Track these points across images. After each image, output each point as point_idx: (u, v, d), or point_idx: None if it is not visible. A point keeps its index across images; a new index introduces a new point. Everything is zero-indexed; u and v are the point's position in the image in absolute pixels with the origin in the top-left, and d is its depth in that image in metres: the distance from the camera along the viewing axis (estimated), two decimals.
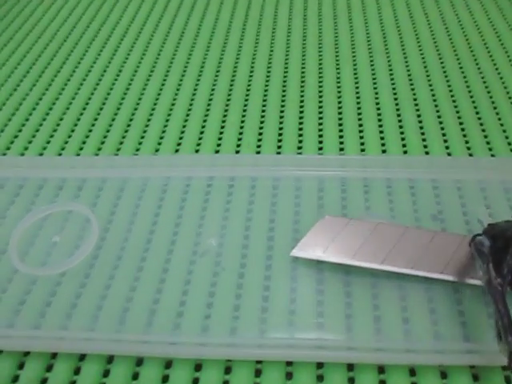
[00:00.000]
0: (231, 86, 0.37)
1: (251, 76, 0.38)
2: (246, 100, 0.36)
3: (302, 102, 0.35)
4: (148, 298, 0.24)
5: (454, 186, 0.29)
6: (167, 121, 0.35)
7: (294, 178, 0.29)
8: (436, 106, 0.34)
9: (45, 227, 0.28)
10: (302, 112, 0.35)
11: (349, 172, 0.30)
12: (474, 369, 0.22)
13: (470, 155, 0.31)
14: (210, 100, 0.36)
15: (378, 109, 0.34)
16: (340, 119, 0.34)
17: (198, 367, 0.22)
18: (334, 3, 0.45)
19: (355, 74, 0.38)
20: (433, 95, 0.35)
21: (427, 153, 0.31)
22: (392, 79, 0.37)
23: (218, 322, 0.23)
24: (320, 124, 0.34)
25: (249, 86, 0.37)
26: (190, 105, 0.36)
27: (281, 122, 0.34)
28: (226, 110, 0.35)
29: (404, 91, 0.36)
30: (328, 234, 0.25)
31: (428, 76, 0.37)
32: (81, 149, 0.33)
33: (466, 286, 0.24)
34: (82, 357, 0.23)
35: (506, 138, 0.32)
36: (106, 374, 0.22)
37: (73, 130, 0.34)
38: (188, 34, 0.43)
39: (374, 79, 0.37)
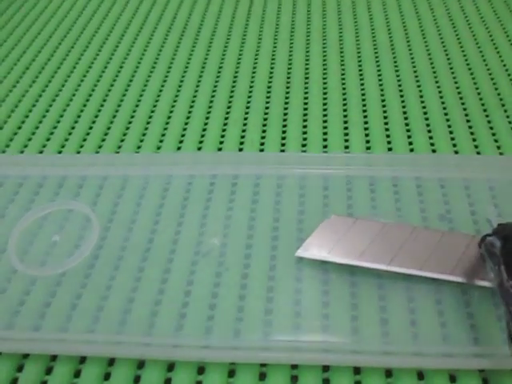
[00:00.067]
0: (234, 82, 0.37)
1: (254, 72, 0.37)
2: (250, 97, 0.35)
3: (306, 98, 0.35)
4: (149, 299, 0.24)
5: (461, 185, 0.28)
6: (169, 118, 0.34)
7: (299, 176, 0.29)
8: (443, 103, 0.34)
9: (44, 226, 0.27)
10: (306, 109, 0.34)
11: (354, 170, 0.29)
12: (483, 373, 0.21)
13: (478, 153, 0.30)
14: (213, 97, 0.35)
15: (384, 106, 0.34)
16: (345, 116, 0.33)
17: (201, 370, 0.22)
18: None
19: (360, 70, 0.37)
20: (439, 92, 0.35)
21: (434, 151, 0.31)
22: (398, 76, 0.36)
23: (222, 323, 0.23)
24: (325, 121, 0.33)
25: (252, 82, 0.36)
26: (192, 101, 0.35)
27: (285, 120, 0.33)
28: (228, 107, 0.34)
29: (410, 88, 0.35)
30: (334, 234, 0.25)
31: (434, 73, 0.36)
32: (81, 146, 0.32)
33: (475, 287, 0.23)
34: (83, 359, 0.22)
35: None
36: (107, 376, 0.22)
37: (73, 127, 0.34)
38: (190, 30, 0.42)
39: (379, 76, 0.36)
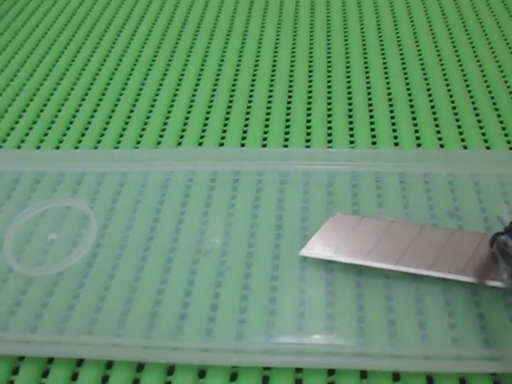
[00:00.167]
0: (236, 76, 0.36)
1: (257, 66, 0.36)
2: (252, 91, 0.34)
3: (309, 92, 0.34)
4: (149, 300, 0.23)
5: (470, 181, 0.27)
6: (169, 112, 0.33)
7: (302, 172, 0.28)
8: (451, 96, 0.33)
9: (41, 224, 0.27)
10: (309, 103, 0.33)
11: (359, 166, 0.28)
12: (495, 376, 0.21)
13: (488, 148, 0.29)
14: (214, 91, 0.35)
15: (390, 99, 0.33)
16: (350, 110, 0.32)
17: (202, 374, 0.21)
18: None
19: (365, 62, 0.36)
20: (447, 85, 0.34)
21: (442, 146, 0.30)
22: (404, 68, 0.35)
23: (223, 325, 0.22)
24: (329, 116, 0.32)
25: (254, 76, 0.36)
26: (193, 96, 0.34)
27: (288, 114, 0.32)
28: (230, 101, 0.34)
29: (417, 81, 0.34)
30: (339, 232, 0.24)
31: (442, 65, 0.35)
32: (79, 141, 0.32)
33: (486, 287, 0.23)
34: (80, 362, 0.22)
35: None
36: (105, 379, 0.21)
37: (71, 122, 0.33)
38: (191, 21, 0.41)
39: (385, 69, 0.35)
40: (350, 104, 0.33)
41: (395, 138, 0.30)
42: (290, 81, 0.35)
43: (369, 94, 0.34)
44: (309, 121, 0.32)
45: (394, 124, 0.31)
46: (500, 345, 0.21)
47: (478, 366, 0.21)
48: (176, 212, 0.27)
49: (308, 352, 0.21)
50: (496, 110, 0.32)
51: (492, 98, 0.33)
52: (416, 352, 0.21)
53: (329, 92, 0.34)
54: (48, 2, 0.45)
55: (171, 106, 0.34)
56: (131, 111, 0.34)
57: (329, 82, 0.35)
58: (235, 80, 0.35)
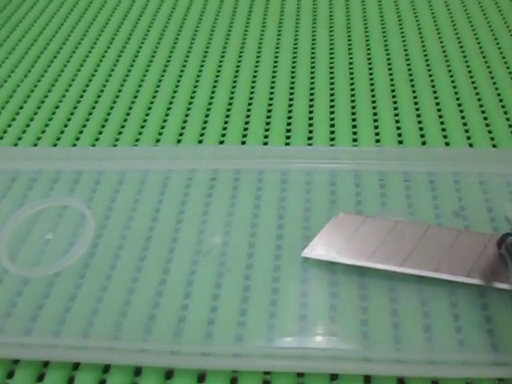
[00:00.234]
0: (236, 72, 0.35)
1: (258, 62, 0.36)
2: (253, 87, 0.34)
3: (312, 89, 0.33)
4: (147, 301, 0.23)
5: (477, 180, 0.27)
6: (168, 109, 0.33)
7: (304, 171, 0.27)
8: (456, 93, 0.32)
9: (37, 223, 0.26)
10: (312, 100, 0.32)
11: (363, 165, 0.28)
12: (502, 382, 0.20)
13: (494, 146, 0.29)
14: (214, 87, 0.34)
15: (394, 96, 0.32)
16: (353, 108, 0.32)
17: (201, 378, 0.21)
18: None
19: (369, 58, 0.35)
20: (452, 82, 0.33)
21: (447, 144, 0.29)
22: (408, 64, 0.35)
23: (223, 328, 0.22)
24: (331, 113, 0.31)
25: (255, 72, 0.35)
26: (193, 92, 0.34)
27: (289, 111, 0.32)
28: (231, 98, 0.33)
29: (421, 77, 0.33)
30: (342, 232, 0.24)
31: (447, 61, 0.35)
32: (77, 139, 0.31)
33: (493, 289, 0.22)
34: (76, 365, 0.21)
35: None
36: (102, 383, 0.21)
37: (69, 119, 0.32)
38: (191, 17, 0.40)
39: (389, 64, 0.35)
40: (353, 101, 0.32)
41: (399, 135, 0.30)
42: (292, 77, 0.34)
43: (372, 90, 0.33)
44: (311, 118, 0.31)
45: (398, 121, 0.31)
46: (508, 349, 0.20)
47: (485, 371, 0.20)
48: (175, 211, 0.26)
49: (310, 356, 0.21)
50: (503, 107, 0.31)
51: (499, 94, 0.32)
52: (421, 356, 0.20)
53: (331, 89, 0.33)
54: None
55: (171, 103, 0.33)
56: (130, 108, 0.33)
57: (331, 78, 0.34)
58: (236, 76, 0.35)
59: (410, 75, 0.34)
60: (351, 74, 0.34)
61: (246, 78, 0.34)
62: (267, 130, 0.31)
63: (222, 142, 0.30)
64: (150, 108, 0.33)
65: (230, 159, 0.28)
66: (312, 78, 0.34)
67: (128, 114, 0.32)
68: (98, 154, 0.29)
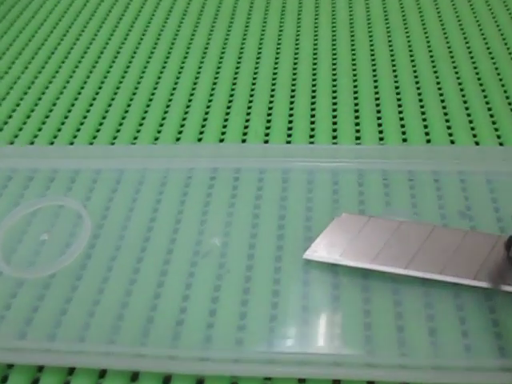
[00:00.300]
0: (237, 69, 0.34)
1: (258, 59, 0.35)
2: (253, 84, 0.33)
3: (313, 86, 0.33)
4: (145, 304, 0.22)
5: (483, 179, 0.26)
6: (168, 107, 0.32)
7: (306, 170, 0.27)
8: (461, 90, 0.32)
9: (33, 223, 0.26)
10: (313, 97, 0.32)
11: (366, 164, 0.27)
12: None
13: (501, 144, 0.28)
14: (214, 84, 0.33)
15: (398, 93, 0.32)
16: (356, 105, 0.31)
17: None
18: None
19: (372, 55, 0.35)
20: (458, 78, 0.32)
21: (453, 142, 0.28)
22: (412, 60, 0.34)
23: (222, 332, 0.21)
24: (334, 110, 0.31)
25: (256, 69, 0.34)
26: (193, 89, 0.33)
27: (291, 109, 0.31)
28: (231, 95, 0.32)
29: (426, 73, 0.33)
30: (344, 233, 0.23)
31: (452, 57, 0.34)
32: (74, 137, 0.31)
33: (500, 292, 0.21)
34: (72, 370, 0.21)
35: None
36: None
37: (66, 117, 0.32)
38: (191, 14, 0.40)
39: (392, 61, 0.34)
40: (356, 98, 0.32)
41: (403, 133, 0.29)
42: (294, 74, 0.34)
43: (376, 87, 0.32)
44: (313, 116, 0.31)
45: (402, 119, 0.30)
46: None
47: (492, 377, 0.19)
48: (174, 211, 0.26)
49: (311, 362, 0.20)
50: (509, 104, 0.30)
51: (505, 91, 0.31)
52: (426, 361, 0.20)
53: (334, 86, 0.33)
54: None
55: (170, 100, 0.32)
56: (128, 105, 0.32)
57: (334, 75, 0.33)
58: (236, 73, 0.34)
59: (415, 72, 0.33)
60: (354, 70, 0.34)
61: (246, 74, 0.34)
62: (268, 128, 0.30)
63: (221, 140, 0.30)
64: (148, 105, 0.32)
65: (230, 158, 0.28)
66: (314, 74, 0.34)
67: (126, 112, 0.32)
68: (96, 152, 0.29)
